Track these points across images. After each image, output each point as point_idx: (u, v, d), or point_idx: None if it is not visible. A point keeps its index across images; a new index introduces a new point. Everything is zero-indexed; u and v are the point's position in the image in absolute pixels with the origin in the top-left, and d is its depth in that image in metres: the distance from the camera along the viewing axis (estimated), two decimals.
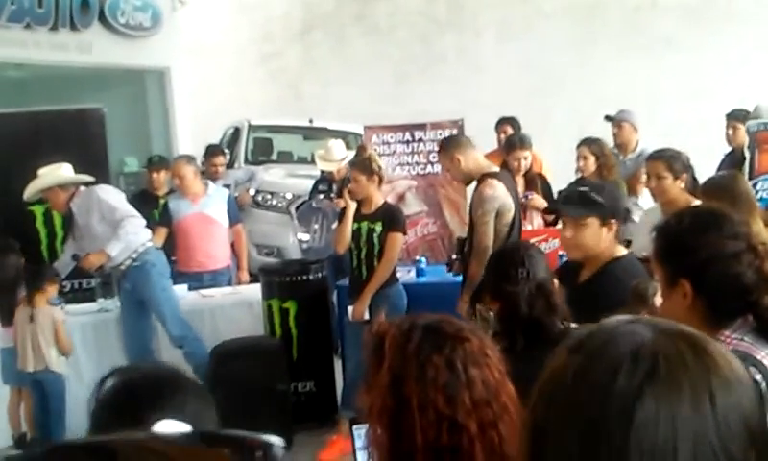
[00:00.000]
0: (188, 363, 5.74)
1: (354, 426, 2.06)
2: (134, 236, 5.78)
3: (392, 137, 7.55)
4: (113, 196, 5.95)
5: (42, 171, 5.85)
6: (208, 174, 7.78)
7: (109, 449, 0.70)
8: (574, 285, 3.33)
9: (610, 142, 6.69)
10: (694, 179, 4.65)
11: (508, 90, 10.77)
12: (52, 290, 5.62)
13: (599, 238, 3.40)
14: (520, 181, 6.30)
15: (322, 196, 7.70)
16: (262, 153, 10.75)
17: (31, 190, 5.89)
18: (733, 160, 6.45)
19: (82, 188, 5.86)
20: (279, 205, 9.21)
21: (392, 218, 5.46)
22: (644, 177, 5.06)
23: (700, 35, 11.28)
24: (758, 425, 0.87)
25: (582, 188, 3.61)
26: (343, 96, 11.44)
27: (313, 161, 8.07)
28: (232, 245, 6.97)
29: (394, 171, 7.42)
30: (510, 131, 7.55)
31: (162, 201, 7.14)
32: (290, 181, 9.42)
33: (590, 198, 3.43)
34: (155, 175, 7.52)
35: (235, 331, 5.99)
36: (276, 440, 0.77)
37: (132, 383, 1.45)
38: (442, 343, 1.56)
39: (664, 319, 0.96)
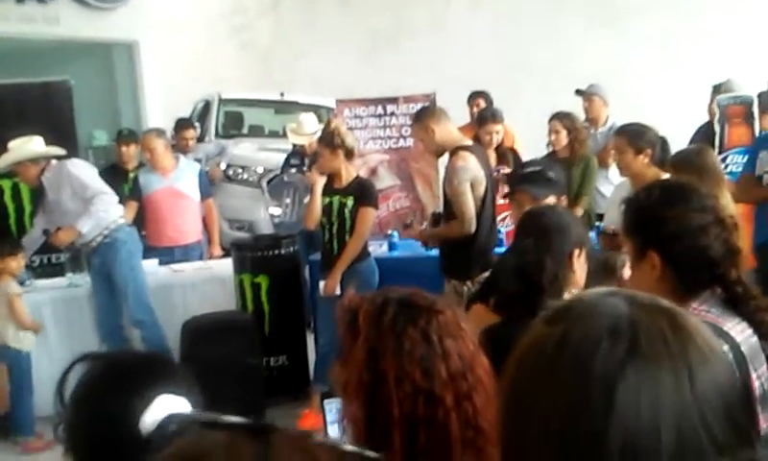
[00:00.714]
0: (143, 347, 5.73)
1: (325, 401, 2.06)
2: (105, 214, 5.72)
3: (364, 111, 7.53)
4: (85, 171, 5.86)
5: (13, 144, 5.76)
6: (179, 148, 7.73)
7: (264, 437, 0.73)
8: None
9: (581, 116, 6.74)
10: (664, 152, 4.70)
11: (479, 64, 10.76)
12: (14, 265, 5.53)
13: None
14: (492, 155, 6.31)
15: (293, 170, 7.67)
16: (233, 127, 10.68)
17: (1, 163, 5.79)
18: (708, 133, 6.50)
19: (53, 162, 5.78)
20: (251, 179, 9.17)
21: (363, 192, 5.45)
22: (613, 151, 5.11)
23: (670, 4, 11.32)
24: (734, 401, 0.88)
25: (536, 168, 3.64)
26: (314, 69, 11.37)
27: (284, 135, 8.03)
28: (204, 219, 6.94)
29: (366, 145, 7.40)
30: (483, 104, 7.57)
31: (132, 175, 7.08)
32: (261, 155, 9.37)
33: (549, 177, 3.50)
34: (124, 148, 7.44)
35: (207, 306, 5.97)
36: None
37: (123, 362, 1.44)
38: (416, 315, 1.56)
39: (641, 292, 0.95)
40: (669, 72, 10.92)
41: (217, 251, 6.97)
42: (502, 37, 11.68)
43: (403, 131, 7.36)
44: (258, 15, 12.80)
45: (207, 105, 10.47)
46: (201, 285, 6.32)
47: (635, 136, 4.66)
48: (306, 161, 7.34)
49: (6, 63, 9.48)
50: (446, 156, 5.12)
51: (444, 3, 12.25)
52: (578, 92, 7.02)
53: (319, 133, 7.07)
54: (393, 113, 7.50)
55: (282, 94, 10.51)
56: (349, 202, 5.39)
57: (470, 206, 4.84)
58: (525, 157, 6.95)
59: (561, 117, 6.35)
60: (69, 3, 9.71)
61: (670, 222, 2.04)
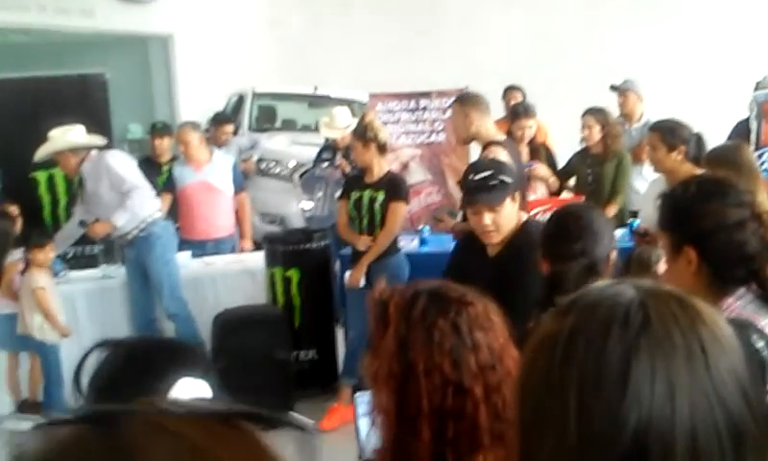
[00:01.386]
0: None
1: (357, 394, 2.06)
2: (141, 208, 5.72)
3: (396, 105, 7.52)
4: (123, 164, 5.83)
5: (53, 133, 5.72)
6: (215, 142, 7.77)
7: (114, 427, 0.64)
8: (485, 260, 3.54)
9: (615, 112, 6.67)
10: (700, 148, 4.63)
11: (512, 59, 10.71)
12: (41, 257, 5.48)
13: (514, 213, 3.56)
14: (524, 150, 6.27)
15: (326, 164, 7.67)
16: (266, 120, 10.71)
17: (42, 152, 5.76)
18: (746, 130, 6.40)
19: (93, 153, 5.76)
20: (283, 173, 9.19)
21: (394, 187, 5.43)
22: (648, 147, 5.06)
23: (706, 1, 11.18)
24: (752, 388, 0.88)
25: (485, 174, 3.56)
26: (348, 63, 11.38)
27: (317, 129, 8.04)
28: (236, 213, 6.96)
29: (398, 139, 7.39)
30: (519, 98, 7.52)
31: (166, 167, 7.13)
32: (294, 149, 9.39)
33: (500, 180, 3.48)
34: (157, 141, 7.50)
35: (238, 299, 6.00)
36: (300, 421, 0.73)
37: (141, 347, 1.44)
38: (446, 307, 1.56)
39: (647, 280, 0.96)
40: (706, 67, 10.78)
41: (249, 245, 6.99)
42: (536, 31, 11.62)
43: (435, 125, 7.34)
44: (293, 9, 12.83)
45: (241, 98, 10.52)
46: (232, 278, 6.34)
47: (668, 133, 4.61)
48: (338, 156, 7.35)
49: (42, 56, 9.60)
50: (477, 149, 5.08)
51: None
52: (612, 88, 6.95)
53: (351, 128, 7.09)
54: (425, 108, 7.48)
55: (316, 88, 10.52)
56: (380, 196, 5.38)
57: None
58: (558, 153, 6.93)
59: (594, 112, 6.30)
60: None
61: (707, 217, 2.02)
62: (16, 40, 10.17)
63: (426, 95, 7.52)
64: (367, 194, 5.43)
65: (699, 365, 0.85)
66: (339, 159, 7.17)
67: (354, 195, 5.49)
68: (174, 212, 6.55)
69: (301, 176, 8.86)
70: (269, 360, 5.53)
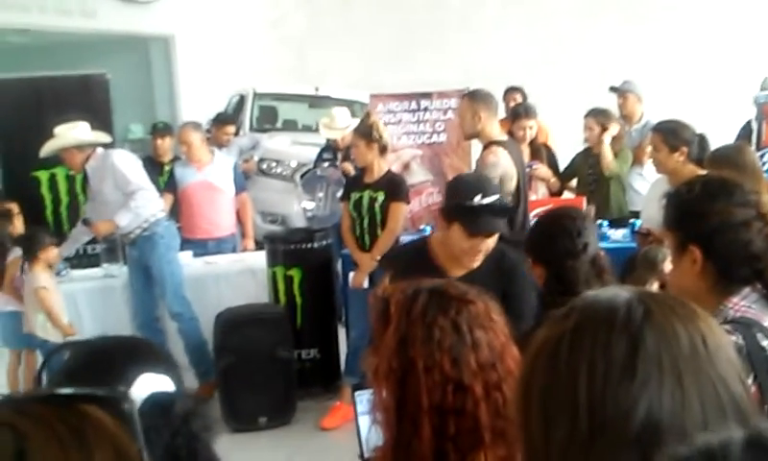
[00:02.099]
0: (181, 339, 5.85)
1: (356, 392, 2.06)
2: (144, 208, 5.71)
3: (397, 106, 7.50)
4: (128, 165, 5.79)
5: (58, 129, 5.68)
6: (217, 142, 7.77)
7: None
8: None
9: (615, 113, 6.68)
10: (703, 149, 4.63)
11: (513, 60, 10.71)
12: (46, 256, 5.48)
13: None
14: (525, 150, 6.27)
15: (326, 164, 7.67)
16: (267, 121, 10.73)
17: (48, 149, 5.71)
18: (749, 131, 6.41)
19: (98, 150, 5.72)
20: (284, 173, 9.20)
21: (394, 187, 5.43)
22: (649, 148, 5.06)
23: (705, 1, 11.18)
24: (741, 374, 0.92)
25: (494, 198, 3.40)
26: (348, 64, 11.38)
27: (318, 130, 8.04)
28: (237, 213, 6.97)
29: (399, 140, 7.38)
30: (519, 99, 7.53)
31: (167, 167, 7.14)
32: (295, 150, 9.40)
33: (506, 206, 3.47)
34: (159, 141, 7.50)
35: (240, 298, 5.99)
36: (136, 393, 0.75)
37: (101, 347, 1.43)
38: (447, 305, 1.56)
39: (638, 288, 1.00)
40: (707, 68, 10.77)
41: (250, 244, 7.00)
42: (536, 33, 11.62)
43: (436, 126, 7.33)
44: (293, 10, 12.84)
45: (242, 99, 10.53)
46: (234, 277, 6.34)
47: (670, 134, 4.61)
48: (339, 156, 7.35)
49: (43, 56, 9.61)
50: (477, 149, 5.08)
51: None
52: (612, 89, 6.95)
53: (351, 128, 7.08)
54: (426, 108, 7.46)
55: (316, 89, 10.53)
56: (380, 197, 5.38)
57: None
58: (559, 153, 6.94)
59: (596, 114, 6.32)
60: None
61: (712, 216, 2.01)
62: (18, 41, 10.18)
63: (427, 96, 7.50)
64: (366, 195, 5.43)
65: (701, 351, 0.88)
66: (340, 162, 7.17)
67: (354, 196, 5.49)
68: (175, 212, 6.55)
69: (303, 176, 8.86)
70: (271, 359, 5.53)
